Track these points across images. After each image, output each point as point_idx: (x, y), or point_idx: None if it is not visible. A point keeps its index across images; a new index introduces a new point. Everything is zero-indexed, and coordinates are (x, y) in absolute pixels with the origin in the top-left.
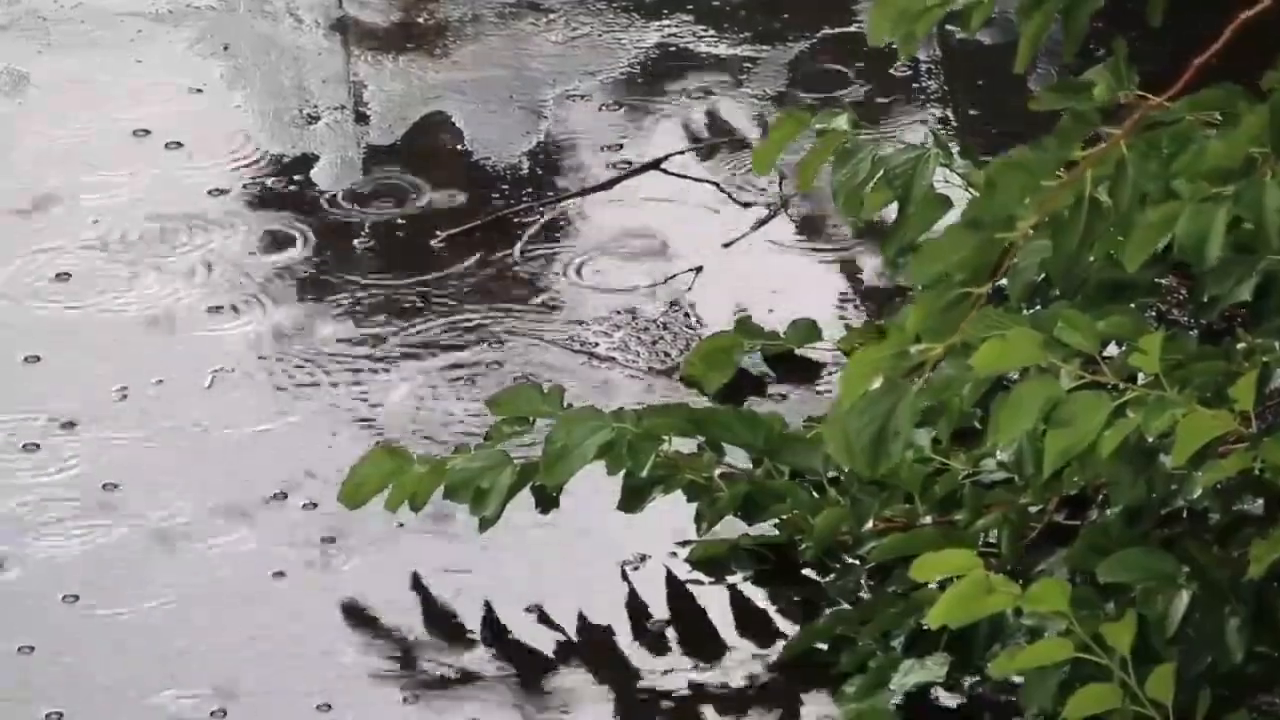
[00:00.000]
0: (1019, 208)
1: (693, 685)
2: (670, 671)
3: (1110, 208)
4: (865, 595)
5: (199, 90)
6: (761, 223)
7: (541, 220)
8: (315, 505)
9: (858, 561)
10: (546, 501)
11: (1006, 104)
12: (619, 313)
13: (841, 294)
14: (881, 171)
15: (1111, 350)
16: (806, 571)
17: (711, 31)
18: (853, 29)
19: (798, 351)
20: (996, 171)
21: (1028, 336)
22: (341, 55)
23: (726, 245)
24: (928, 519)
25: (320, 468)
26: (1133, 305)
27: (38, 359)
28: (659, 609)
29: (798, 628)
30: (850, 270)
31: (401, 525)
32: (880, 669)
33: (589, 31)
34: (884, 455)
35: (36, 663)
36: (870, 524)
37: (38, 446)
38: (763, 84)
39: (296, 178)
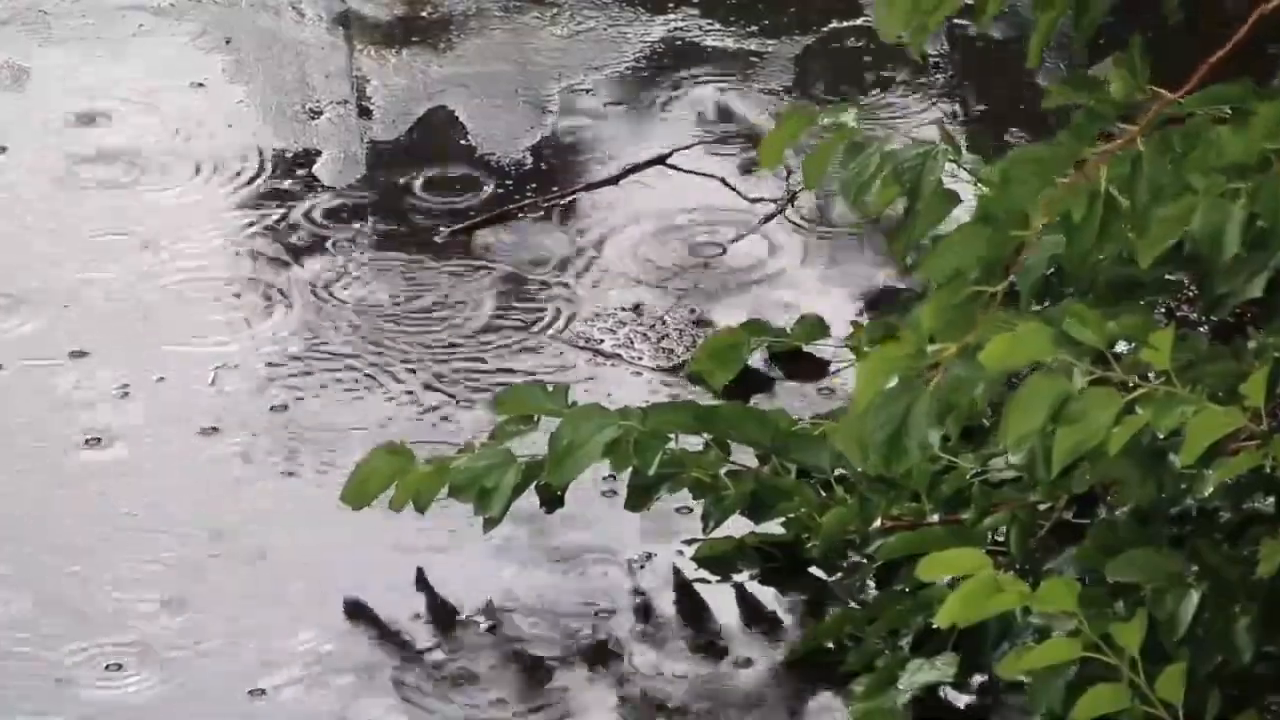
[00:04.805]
0: (1033, 204)
1: (698, 684)
2: (676, 670)
3: (1124, 203)
4: (872, 594)
5: (201, 85)
6: (768, 218)
7: (546, 216)
8: (312, 502)
9: (865, 560)
10: (552, 501)
11: (1015, 100)
12: (624, 309)
13: (849, 290)
14: (889, 167)
15: (1122, 347)
16: (813, 570)
17: (718, 25)
18: (860, 22)
19: (805, 348)
20: (1010, 167)
21: (1038, 331)
22: (344, 50)
23: (733, 240)
24: (935, 517)
25: (314, 465)
26: (1143, 303)
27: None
28: (665, 607)
29: (805, 626)
30: (858, 266)
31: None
32: (888, 668)
33: (594, 26)
34: (900, 456)
35: None
36: (878, 522)
37: None
38: (770, 78)
39: (299, 173)
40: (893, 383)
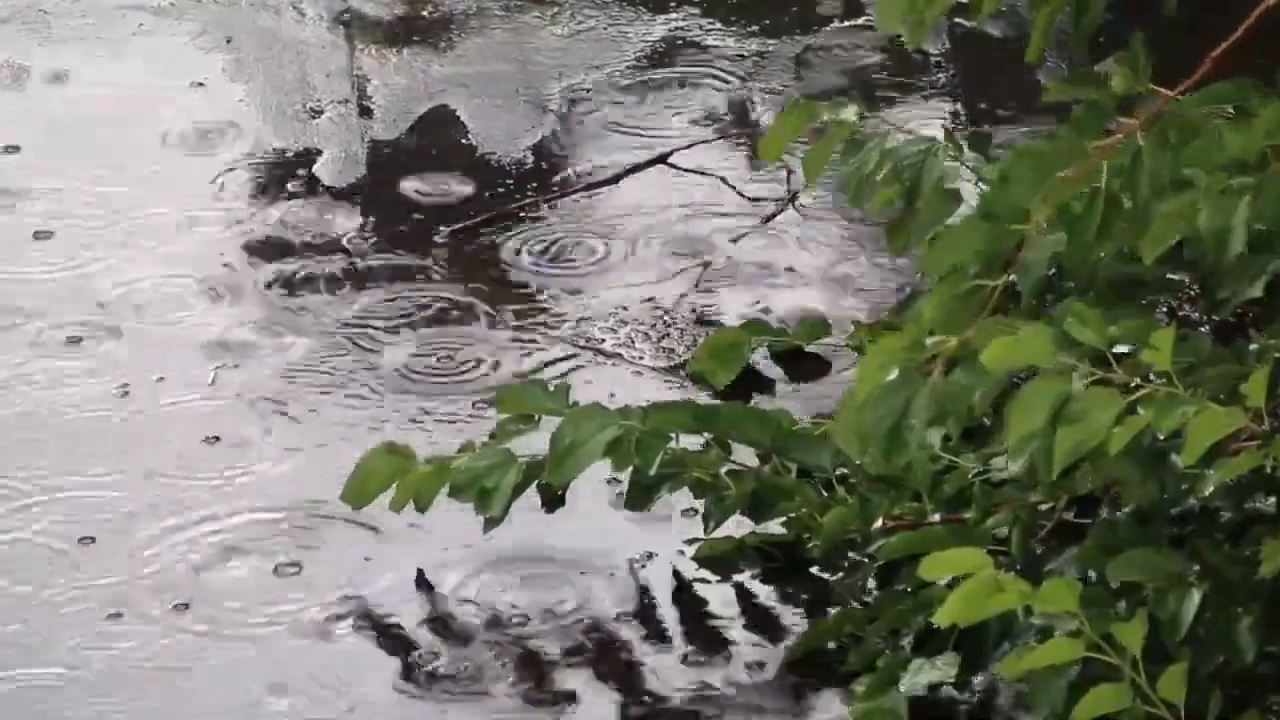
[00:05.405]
0: (1033, 199)
1: (699, 683)
2: (677, 670)
3: (1125, 201)
4: (873, 594)
5: (201, 84)
6: (770, 217)
7: (546, 215)
8: (316, 501)
9: (866, 560)
10: (552, 500)
11: (1016, 98)
12: (625, 308)
13: (850, 290)
14: (889, 165)
15: (1124, 348)
16: (814, 570)
17: (719, 25)
18: (861, 21)
19: (806, 348)
20: (1011, 162)
21: (1039, 334)
22: (345, 49)
23: (734, 240)
24: (937, 517)
25: (317, 465)
26: (1144, 303)
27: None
28: (666, 607)
29: (805, 626)
30: (859, 265)
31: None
32: (889, 668)
33: (594, 25)
34: (899, 447)
35: None
36: (879, 522)
37: None
38: (771, 77)
39: (299, 172)
40: (892, 375)
